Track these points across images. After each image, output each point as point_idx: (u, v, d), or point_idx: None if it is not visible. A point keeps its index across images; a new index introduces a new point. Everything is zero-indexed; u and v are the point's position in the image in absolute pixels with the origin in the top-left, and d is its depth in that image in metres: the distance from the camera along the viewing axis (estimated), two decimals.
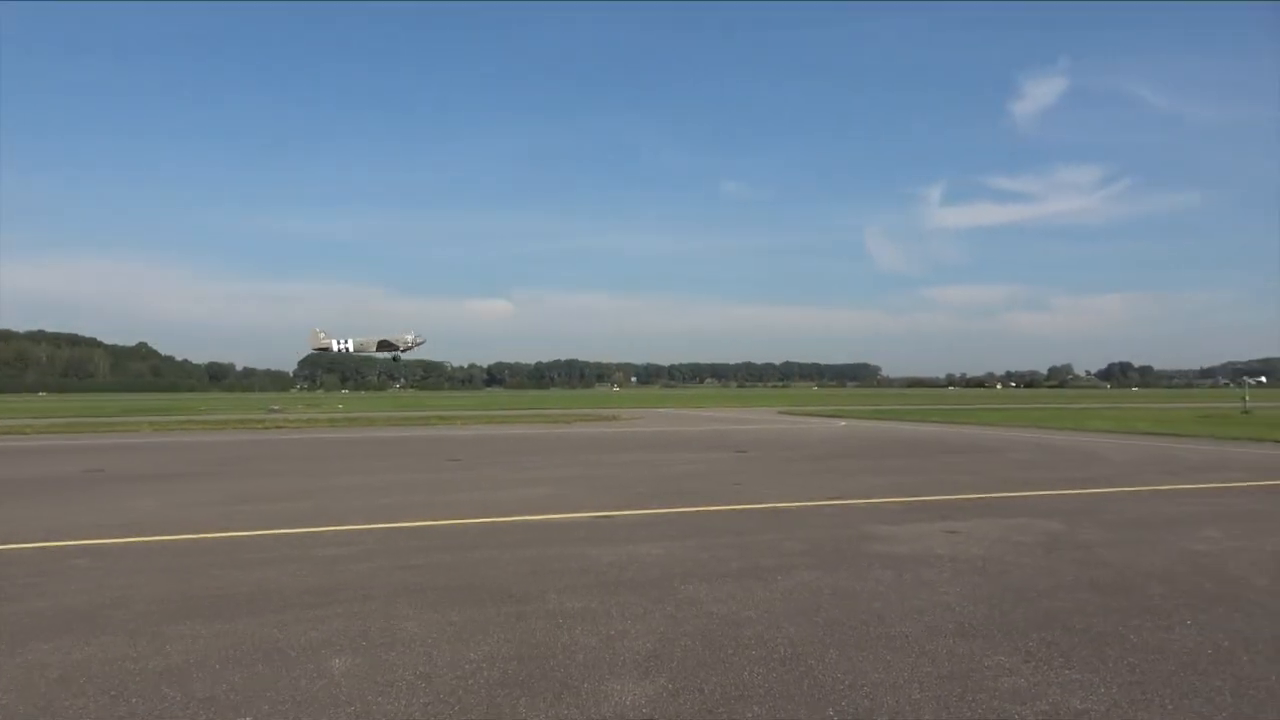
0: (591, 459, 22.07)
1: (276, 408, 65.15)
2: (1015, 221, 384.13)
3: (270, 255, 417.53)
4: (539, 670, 5.56)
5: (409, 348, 59.62)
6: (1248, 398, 56.71)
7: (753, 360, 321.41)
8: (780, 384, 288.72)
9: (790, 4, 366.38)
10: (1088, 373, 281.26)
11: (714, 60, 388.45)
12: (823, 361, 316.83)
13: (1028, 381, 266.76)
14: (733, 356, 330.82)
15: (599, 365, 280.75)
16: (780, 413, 55.83)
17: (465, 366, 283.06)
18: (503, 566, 8.68)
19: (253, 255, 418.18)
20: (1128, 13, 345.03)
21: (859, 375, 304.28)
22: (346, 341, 59.92)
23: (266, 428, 38.01)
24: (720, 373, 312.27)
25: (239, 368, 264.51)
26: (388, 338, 59.07)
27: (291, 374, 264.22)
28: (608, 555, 9.22)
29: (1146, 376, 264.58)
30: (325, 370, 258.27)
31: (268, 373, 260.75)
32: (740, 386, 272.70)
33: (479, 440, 29.47)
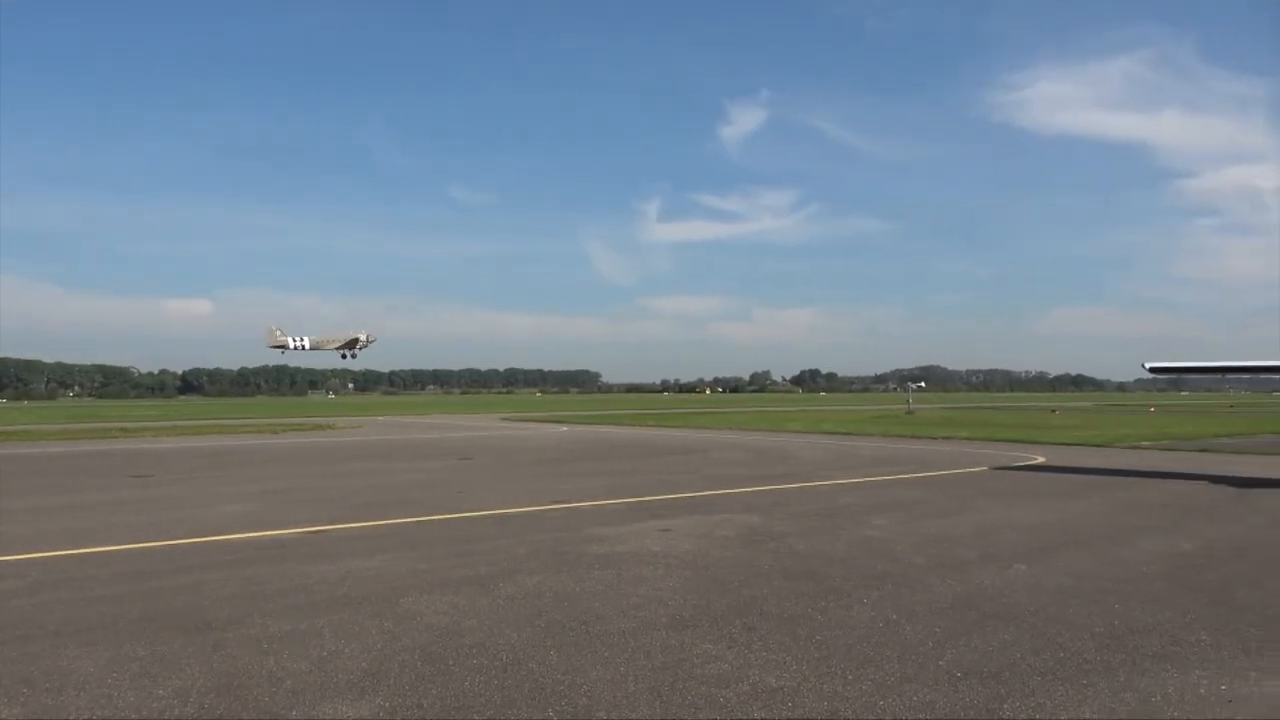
0: (304, 471, 20.79)
1: None
2: (723, 238, 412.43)
3: None
4: (240, 702, 5.14)
5: (364, 346, 59.34)
6: (910, 401, 66.19)
7: (477, 366, 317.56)
8: (504, 390, 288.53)
9: (519, 11, 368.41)
10: (783, 378, 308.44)
11: (440, 61, 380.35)
12: (546, 368, 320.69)
13: (733, 387, 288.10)
14: (456, 363, 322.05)
15: (312, 371, 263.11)
16: (504, 419, 55.88)
17: (156, 372, 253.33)
18: (198, 592, 7.94)
19: None
20: (815, 56, 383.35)
21: (581, 381, 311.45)
22: (303, 339, 58.50)
23: None
24: (443, 379, 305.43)
25: None
26: (354, 334, 59.14)
27: None
28: (320, 572, 8.73)
29: (832, 382, 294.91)
30: None
31: None
32: (464, 393, 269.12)
33: (171, 454, 26.68)
